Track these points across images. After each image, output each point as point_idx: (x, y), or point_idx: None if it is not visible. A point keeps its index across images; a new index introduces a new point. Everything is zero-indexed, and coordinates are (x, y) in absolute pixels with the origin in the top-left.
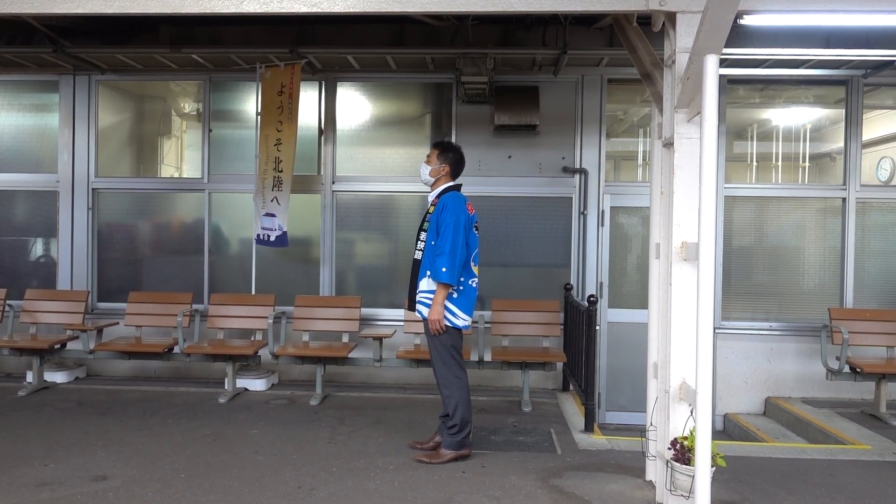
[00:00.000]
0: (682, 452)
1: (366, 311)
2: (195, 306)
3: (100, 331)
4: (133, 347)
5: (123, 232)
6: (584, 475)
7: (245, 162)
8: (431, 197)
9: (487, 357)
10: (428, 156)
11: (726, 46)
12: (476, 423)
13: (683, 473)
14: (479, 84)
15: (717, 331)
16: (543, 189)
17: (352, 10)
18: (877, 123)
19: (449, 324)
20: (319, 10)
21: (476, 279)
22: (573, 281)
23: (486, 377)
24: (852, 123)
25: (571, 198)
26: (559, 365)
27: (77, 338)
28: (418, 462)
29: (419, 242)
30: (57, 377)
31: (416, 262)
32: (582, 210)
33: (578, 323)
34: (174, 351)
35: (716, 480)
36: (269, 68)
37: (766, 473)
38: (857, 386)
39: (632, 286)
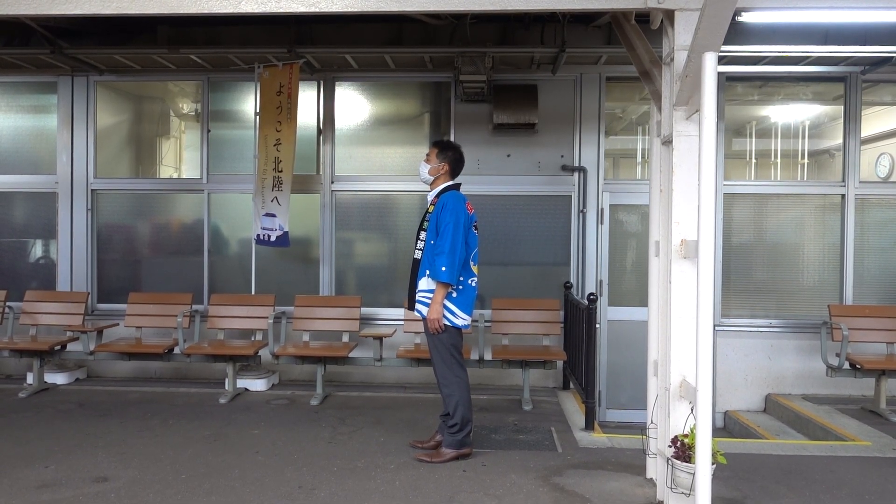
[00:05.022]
0: (683, 450)
1: (366, 310)
2: (195, 307)
3: (100, 332)
4: (133, 348)
5: (123, 233)
6: (584, 473)
7: (244, 162)
8: (431, 196)
9: (488, 356)
10: (427, 154)
11: (725, 44)
12: (477, 422)
13: (684, 471)
14: (478, 83)
15: (716, 328)
16: (542, 187)
17: (350, 10)
18: (875, 120)
19: (449, 323)
20: (317, 10)
21: (475, 278)
22: (573, 279)
23: (486, 376)
24: (851, 120)
25: (570, 196)
26: (559, 363)
27: (77, 339)
28: (419, 461)
29: (419, 242)
30: (57, 378)
31: (416, 262)
32: (581, 208)
33: (578, 321)
34: (174, 352)
35: (716, 478)
36: (267, 68)
37: (766, 470)
38: (857, 382)
39: (631, 284)
